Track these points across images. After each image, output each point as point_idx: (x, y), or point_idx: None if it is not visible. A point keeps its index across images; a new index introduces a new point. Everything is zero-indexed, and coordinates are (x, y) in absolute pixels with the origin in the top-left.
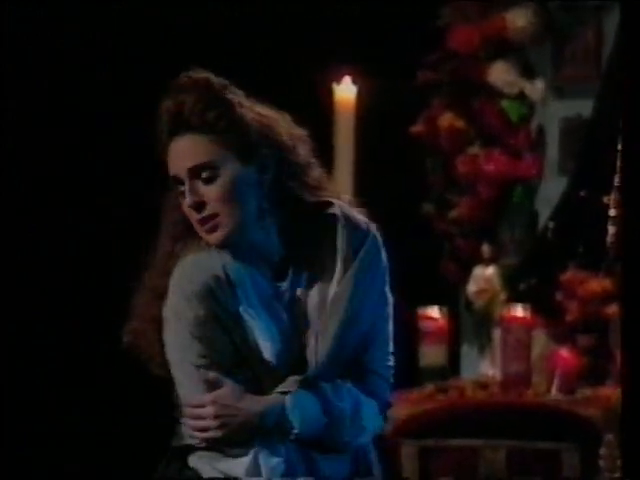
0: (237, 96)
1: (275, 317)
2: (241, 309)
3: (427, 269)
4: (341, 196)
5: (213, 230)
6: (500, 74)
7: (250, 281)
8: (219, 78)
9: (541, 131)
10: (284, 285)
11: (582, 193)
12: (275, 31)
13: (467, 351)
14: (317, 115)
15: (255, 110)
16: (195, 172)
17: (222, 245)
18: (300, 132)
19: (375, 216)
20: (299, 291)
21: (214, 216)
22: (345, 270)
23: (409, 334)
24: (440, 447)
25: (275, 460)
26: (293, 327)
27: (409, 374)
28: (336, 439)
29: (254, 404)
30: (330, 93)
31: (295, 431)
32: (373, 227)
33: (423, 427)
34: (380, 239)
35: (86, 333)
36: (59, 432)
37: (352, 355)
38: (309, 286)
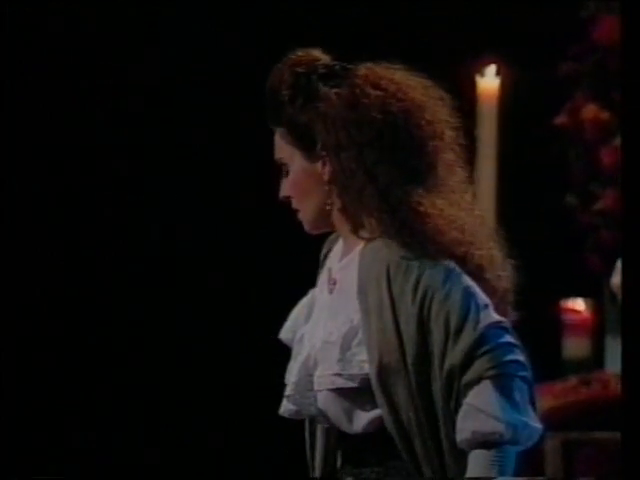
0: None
1: None
2: None
3: (571, 261)
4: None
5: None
6: None
7: None
8: (313, 69)
9: None
10: None
11: None
12: (418, 23)
13: (611, 344)
14: (460, 106)
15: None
16: (279, 165)
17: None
18: None
19: (518, 208)
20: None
21: (297, 211)
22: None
23: (553, 326)
24: (583, 440)
25: None
26: None
27: (552, 366)
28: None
29: None
30: (473, 84)
31: None
32: None
33: (566, 420)
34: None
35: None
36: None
37: None
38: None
